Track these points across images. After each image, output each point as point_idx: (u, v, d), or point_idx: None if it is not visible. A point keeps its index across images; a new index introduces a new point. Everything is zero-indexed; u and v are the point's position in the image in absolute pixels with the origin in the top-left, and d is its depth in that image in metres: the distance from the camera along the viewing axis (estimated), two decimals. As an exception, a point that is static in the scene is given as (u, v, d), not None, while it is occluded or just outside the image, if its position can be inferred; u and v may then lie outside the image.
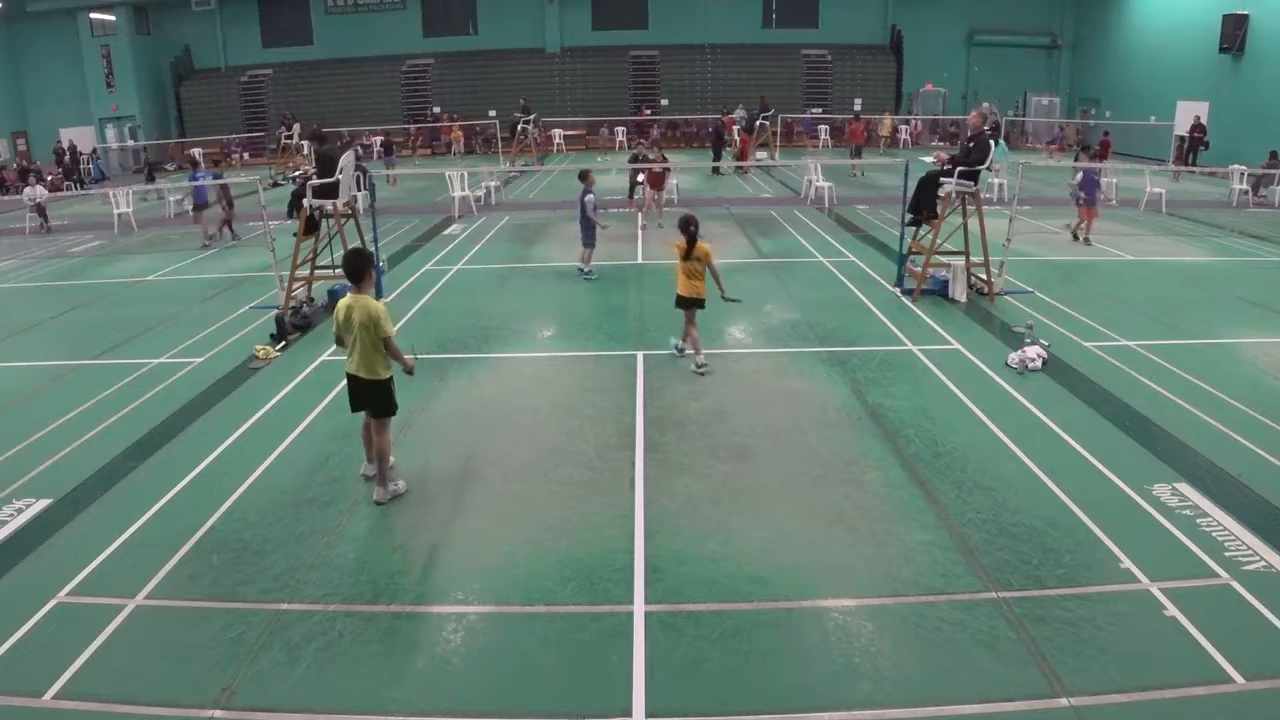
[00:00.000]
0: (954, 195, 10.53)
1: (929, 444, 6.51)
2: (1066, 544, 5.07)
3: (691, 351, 8.29)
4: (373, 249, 10.79)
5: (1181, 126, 25.51)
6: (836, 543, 5.18)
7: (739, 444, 6.58)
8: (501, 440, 6.77)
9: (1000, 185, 18.34)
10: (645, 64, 34.99)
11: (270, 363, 8.87)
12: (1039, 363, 8.11)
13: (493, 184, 21.11)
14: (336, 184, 10.27)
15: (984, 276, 10.80)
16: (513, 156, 26.02)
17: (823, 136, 32.50)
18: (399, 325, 9.84)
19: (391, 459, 5.88)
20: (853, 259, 13.18)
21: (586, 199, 12.04)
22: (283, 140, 27.76)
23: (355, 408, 5.83)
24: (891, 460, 6.27)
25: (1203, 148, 23.95)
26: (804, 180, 20.03)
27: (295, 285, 10.55)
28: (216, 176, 16.71)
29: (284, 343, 9.39)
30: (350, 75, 34.66)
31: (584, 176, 12.51)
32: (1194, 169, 22.81)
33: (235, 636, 4.37)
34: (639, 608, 4.55)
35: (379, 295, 10.06)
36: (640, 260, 13.43)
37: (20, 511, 5.77)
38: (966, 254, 10.68)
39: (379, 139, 28.62)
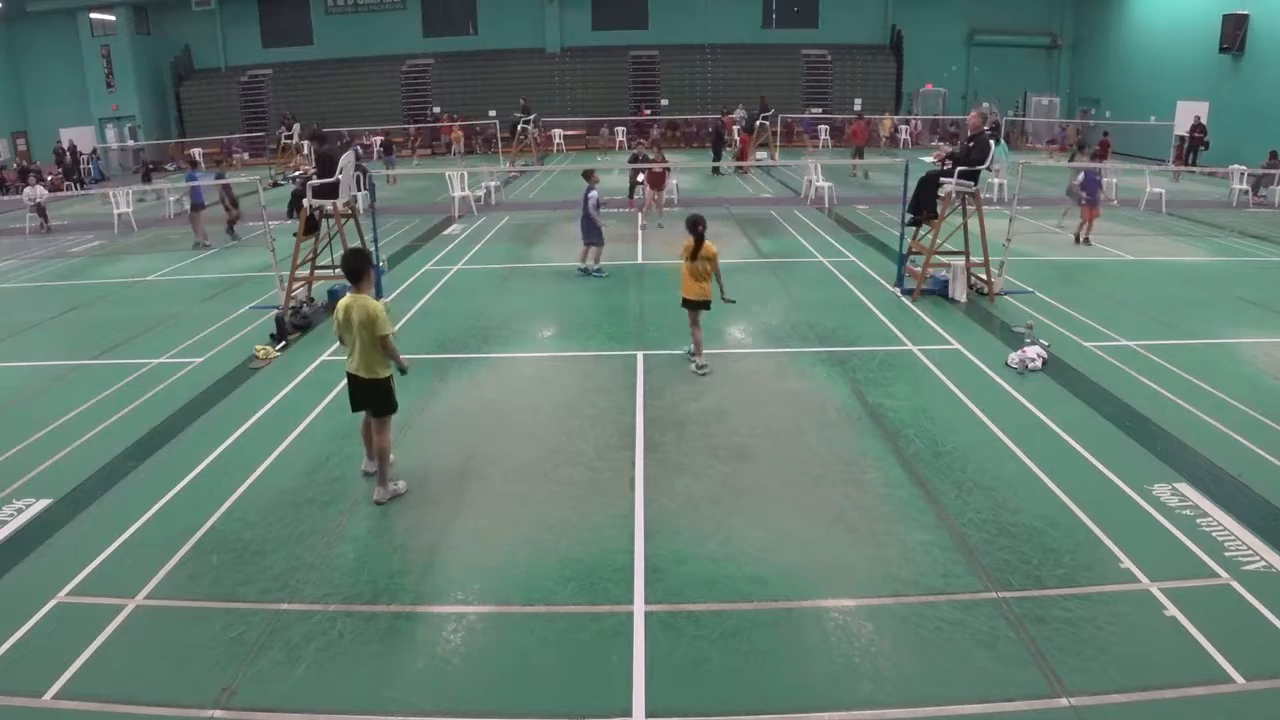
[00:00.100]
0: (954, 195, 10.53)
1: (929, 444, 6.52)
2: (1066, 544, 5.07)
3: (690, 348, 8.28)
4: (373, 249, 10.80)
5: (1181, 126, 25.51)
6: (836, 543, 5.18)
7: (739, 444, 6.58)
8: (501, 440, 6.77)
9: (1000, 185, 18.34)
10: (645, 64, 34.99)
11: (270, 363, 8.87)
12: (1039, 363, 8.11)
13: (493, 184, 21.10)
14: (336, 184, 10.27)
15: (984, 276, 10.80)
16: (513, 156, 26.02)
17: (823, 136, 32.51)
18: (399, 325, 9.87)
19: (392, 458, 5.89)
20: (853, 259, 13.18)
21: (590, 196, 12.07)
22: (283, 140, 27.76)
23: (356, 407, 5.85)
24: (891, 460, 6.27)
25: (1203, 148, 23.95)
26: (804, 180, 20.03)
27: (295, 285, 10.55)
28: (219, 176, 16.70)
29: (284, 343, 9.39)
30: (350, 75, 34.66)
31: (588, 175, 12.59)
32: (1194, 169, 22.81)
33: (235, 636, 4.37)
34: (639, 608, 4.55)
35: (379, 295, 10.08)
36: (640, 260, 13.43)
37: (20, 511, 5.77)
38: (966, 254, 10.68)
39: (379, 139, 28.63)
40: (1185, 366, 8.08)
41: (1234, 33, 23.89)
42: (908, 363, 8.45)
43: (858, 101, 33.60)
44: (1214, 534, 5.15)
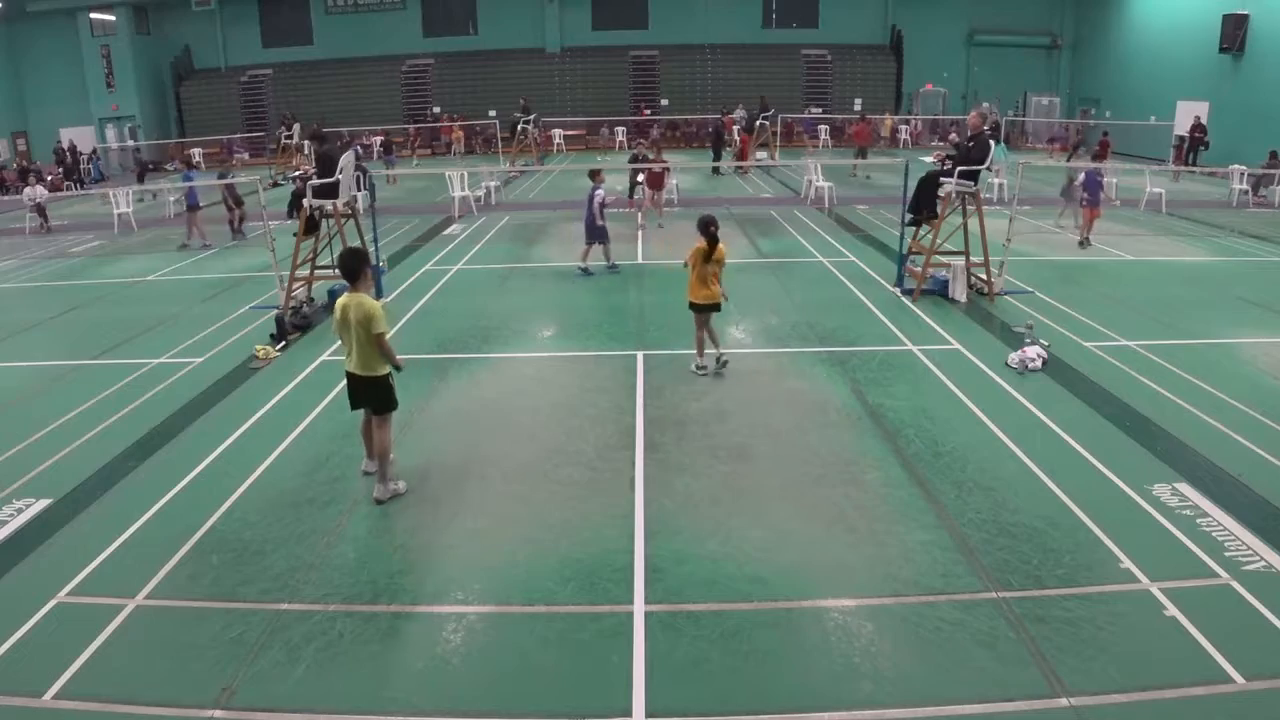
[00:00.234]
0: (954, 195, 10.53)
1: (929, 444, 6.51)
2: (1066, 544, 5.07)
3: (712, 351, 8.15)
4: (372, 249, 10.81)
5: (1181, 126, 25.50)
6: (836, 543, 5.18)
7: (739, 444, 6.58)
8: (501, 440, 6.77)
9: (1000, 185, 18.34)
10: (645, 64, 34.98)
11: (270, 363, 8.87)
12: (1039, 363, 8.11)
13: (493, 184, 21.11)
14: (336, 184, 10.28)
15: (984, 276, 10.80)
16: (513, 156, 26.02)
17: (823, 136, 32.51)
18: (400, 325, 9.88)
19: (392, 456, 5.89)
20: (853, 259, 13.18)
21: (596, 194, 12.11)
22: (283, 140, 27.75)
23: (355, 405, 5.87)
24: (891, 460, 6.27)
25: (1203, 148, 23.95)
26: (804, 180, 20.03)
27: (295, 285, 10.55)
28: (221, 176, 16.70)
29: (284, 343, 9.39)
30: (350, 75, 34.65)
31: (594, 174, 12.66)
32: (1194, 169, 22.81)
33: (235, 636, 4.37)
34: (639, 608, 4.55)
35: (379, 295, 10.09)
36: (640, 260, 13.43)
37: (20, 511, 5.77)
38: (966, 254, 10.68)
39: (379, 139, 28.62)
40: (1185, 366, 8.08)
41: (1234, 33, 23.89)
42: (908, 363, 8.44)
43: (858, 101, 33.59)
44: (1214, 534, 5.15)
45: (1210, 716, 3.73)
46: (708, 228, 7.78)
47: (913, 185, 11.13)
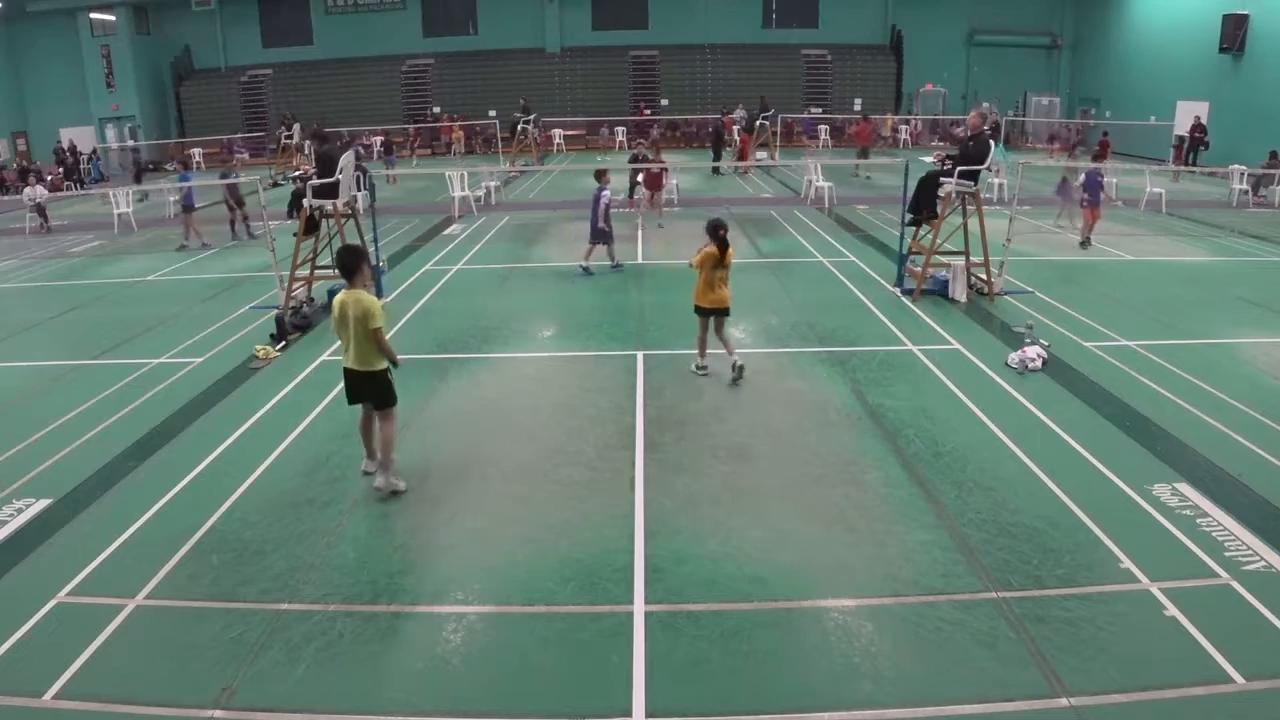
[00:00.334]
0: (954, 195, 10.53)
1: (929, 444, 6.51)
2: (1066, 544, 5.07)
3: (719, 352, 8.08)
4: (372, 249, 10.81)
5: (1181, 126, 25.49)
6: (836, 543, 5.18)
7: (739, 444, 6.58)
8: (501, 440, 6.77)
9: (1000, 185, 18.34)
10: (645, 64, 34.97)
11: (270, 363, 8.87)
12: (1039, 363, 8.11)
13: (493, 184, 21.11)
14: (336, 184, 10.28)
15: (984, 276, 10.80)
16: (513, 156, 26.02)
17: (823, 136, 32.49)
18: (400, 325, 9.89)
19: (393, 457, 5.89)
20: (853, 259, 13.17)
21: (602, 196, 12.12)
22: (283, 140, 27.74)
23: (353, 400, 5.88)
24: (891, 460, 6.27)
25: (1203, 148, 23.95)
26: (804, 180, 20.03)
27: (295, 285, 10.55)
28: (224, 176, 16.70)
29: (284, 343, 9.39)
30: (350, 75, 34.64)
31: (600, 175, 12.67)
32: (1194, 169, 22.80)
33: (235, 636, 4.37)
34: (639, 608, 4.55)
35: (379, 295, 10.08)
36: (640, 260, 13.43)
37: (20, 511, 5.77)
38: (966, 254, 10.68)
39: (379, 139, 28.62)
40: (1185, 366, 8.08)
41: (1234, 33, 23.88)
42: (908, 363, 8.44)
43: (857, 101, 33.59)
44: (1214, 534, 5.15)
45: (1210, 716, 3.73)
46: (717, 231, 7.65)
47: (913, 185, 11.13)
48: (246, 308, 11.11)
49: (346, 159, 10.48)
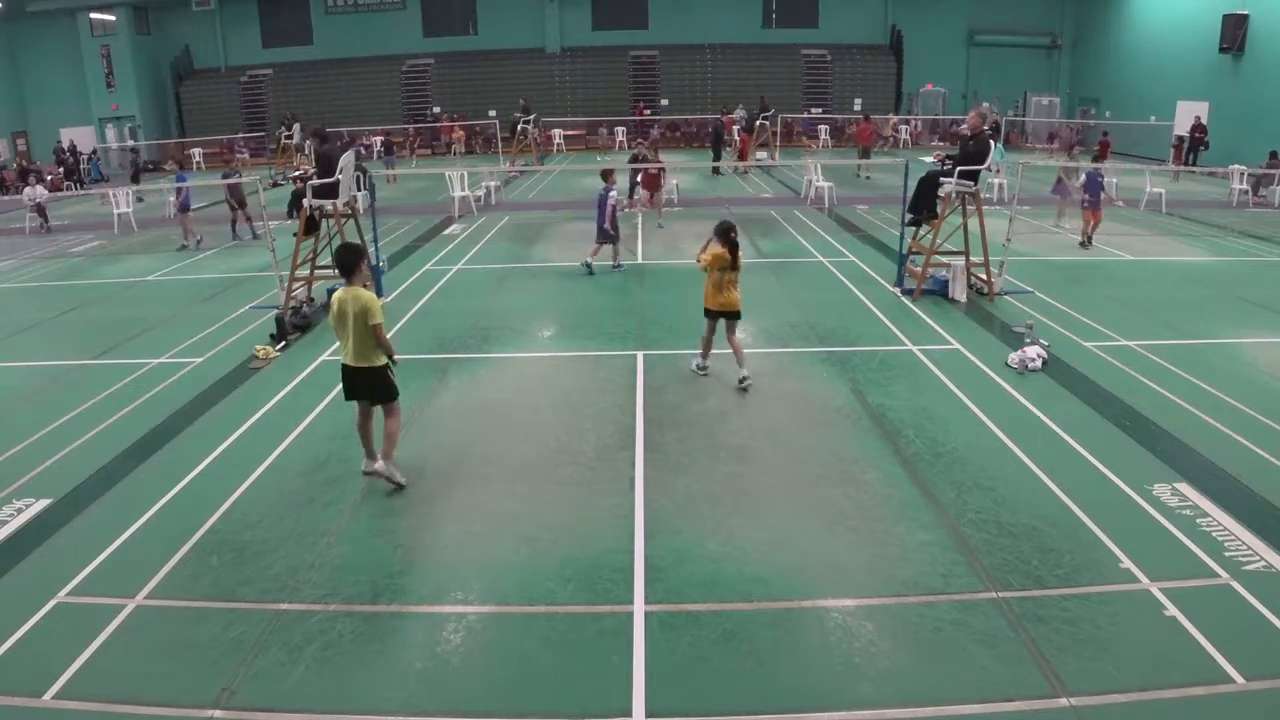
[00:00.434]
0: (954, 195, 10.53)
1: (929, 444, 6.51)
2: (1066, 544, 5.07)
3: (723, 351, 8.05)
4: (372, 249, 10.80)
5: (1181, 126, 25.49)
6: (836, 543, 5.18)
7: (739, 444, 6.58)
8: (502, 440, 6.77)
9: (1000, 185, 18.34)
10: (645, 64, 34.98)
11: (270, 363, 8.87)
12: (1039, 363, 8.11)
13: (493, 184, 21.11)
14: (336, 184, 10.28)
15: (984, 276, 10.80)
16: (513, 156, 26.01)
17: (823, 136, 32.48)
18: (400, 325, 9.89)
19: (393, 456, 5.89)
20: (853, 259, 13.17)
21: (610, 197, 12.13)
22: (283, 140, 27.74)
23: (350, 395, 5.87)
24: (891, 460, 6.27)
25: (1203, 148, 23.95)
26: (804, 180, 20.03)
27: (295, 285, 10.55)
28: (225, 175, 16.71)
29: (284, 343, 9.39)
30: (350, 75, 34.64)
31: (606, 175, 12.69)
32: (1194, 169, 22.80)
33: (235, 636, 4.37)
34: (639, 608, 4.55)
35: (379, 295, 10.08)
36: (640, 260, 13.43)
37: (20, 511, 5.77)
38: (966, 254, 10.68)
39: (379, 139, 28.61)
40: (1186, 367, 8.08)
41: (1234, 33, 23.89)
42: (907, 363, 8.44)
43: (858, 101, 33.59)
44: (1214, 534, 5.15)
45: (1210, 716, 3.73)
46: (728, 234, 7.54)
47: (913, 185, 11.12)
48: (246, 308, 11.11)
49: (346, 159, 10.48)
